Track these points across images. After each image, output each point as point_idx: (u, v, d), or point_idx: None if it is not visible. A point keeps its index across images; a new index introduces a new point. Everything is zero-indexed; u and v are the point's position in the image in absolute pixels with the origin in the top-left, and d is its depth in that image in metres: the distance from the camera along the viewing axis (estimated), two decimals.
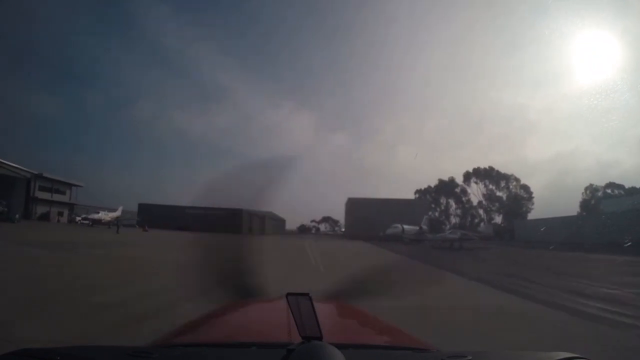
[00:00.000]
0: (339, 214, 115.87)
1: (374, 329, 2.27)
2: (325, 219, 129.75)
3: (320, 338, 1.21)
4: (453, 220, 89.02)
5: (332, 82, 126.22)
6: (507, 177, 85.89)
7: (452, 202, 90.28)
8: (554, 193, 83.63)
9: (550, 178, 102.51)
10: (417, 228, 61.67)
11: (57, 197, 57.10)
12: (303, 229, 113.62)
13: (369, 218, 72.75)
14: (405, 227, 60.90)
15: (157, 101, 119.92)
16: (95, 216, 51.57)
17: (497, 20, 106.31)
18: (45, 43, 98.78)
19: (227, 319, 2.32)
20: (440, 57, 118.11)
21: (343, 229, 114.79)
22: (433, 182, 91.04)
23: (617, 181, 70.33)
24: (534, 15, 74.18)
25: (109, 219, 52.02)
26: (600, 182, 72.73)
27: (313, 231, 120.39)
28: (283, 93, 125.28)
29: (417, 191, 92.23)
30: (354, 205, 78.46)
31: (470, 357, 1.30)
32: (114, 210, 58.74)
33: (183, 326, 2.04)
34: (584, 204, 73.99)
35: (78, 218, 55.02)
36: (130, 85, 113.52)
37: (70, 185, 60.46)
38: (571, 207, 70.44)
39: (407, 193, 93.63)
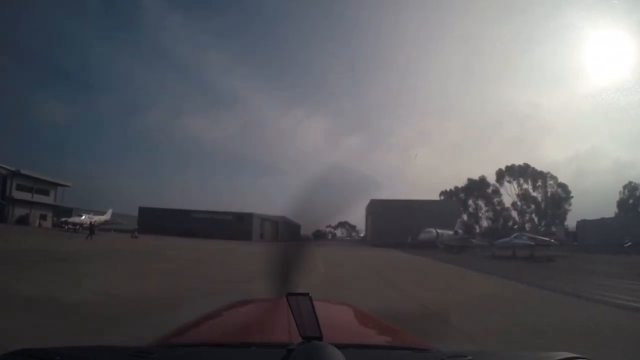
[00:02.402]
0: (356, 219, 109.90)
1: (374, 329, 2.26)
2: (342, 224, 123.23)
3: (320, 338, 1.19)
4: (485, 223, 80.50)
5: (345, 85, 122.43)
6: (543, 175, 77.23)
7: (481, 204, 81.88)
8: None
9: (567, 179, 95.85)
10: (452, 233, 54.23)
11: (39, 197, 50.14)
12: (319, 235, 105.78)
13: (393, 222, 64.45)
14: (440, 231, 53.15)
15: (163, 105, 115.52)
16: (77, 220, 44.27)
17: (513, 19, 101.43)
18: (45, 44, 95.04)
19: (227, 319, 2.32)
20: (453, 58, 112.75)
21: (361, 235, 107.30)
22: (451, 185, 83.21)
23: (635, 181, 66.28)
24: (549, 13, 69.36)
25: (91, 222, 45.16)
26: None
27: (329, 237, 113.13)
28: (295, 97, 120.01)
29: (442, 192, 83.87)
30: (377, 208, 69.53)
31: (470, 357, 1.29)
32: (102, 213, 51.80)
33: (183, 326, 2.02)
34: (622, 203, 67.95)
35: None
36: (139, 90, 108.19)
37: (55, 184, 53.36)
38: (589, 208, 64.33)
39: (425, 196, 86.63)
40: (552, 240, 34.72)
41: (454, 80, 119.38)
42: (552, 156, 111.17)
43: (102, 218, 50.55)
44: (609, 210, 65.04)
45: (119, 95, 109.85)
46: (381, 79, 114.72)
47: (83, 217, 45.30)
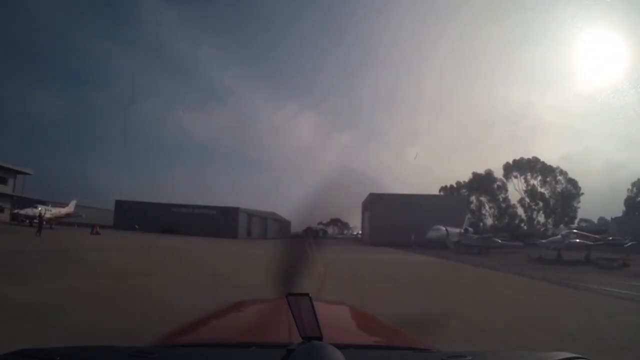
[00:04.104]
0: (348, 216, 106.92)
1: (374, 329, 2.24)
2: (334, 221, 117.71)
3: (320, 338, 1.19)
4: (489, 221, 75.00)
5: (338, 82, 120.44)
6: (552, 170, 71.96)
7: (484, 200, 76.27)
8: None
9: None
10: (462, 231, 48.68)
11: None
12: (310, 233, 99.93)
13: (394, 218, 57.96)
14: (450, 229, 47.45)
15: (153, 99, 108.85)
16: (30, 212, 37.48)
17: (507, 18, 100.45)
18: (35, 36, 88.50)
19: (227, 319, 2.30)
20: (447, 55, 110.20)
21: (355, 232, 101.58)
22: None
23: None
24: (544, 12, 67.15)
25: (49, 215, 38.45)
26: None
27: (320, 234, 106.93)
28: (288, 93, 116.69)
29: (442, 188, 78.08)
30: (376, 203, 62.77)
31: (470, 357, 1.28)
32: (64, 205, 44.75)
33: (183, 326, 2.00)
34: (629, 201, 65.91)
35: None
36: (127, 83, 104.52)
37: (14, 172, 46.19)
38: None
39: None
40: (610, 238, 29.09)
41: (447, 78, 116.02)
42: (545, 156, 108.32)
43: (64, 211, 44.12)
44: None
45: (108, 88, 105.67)
46: (374, 76, 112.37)
47: (39, 208, 38.50)
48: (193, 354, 1.37)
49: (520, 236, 49.89)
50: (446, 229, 46.89)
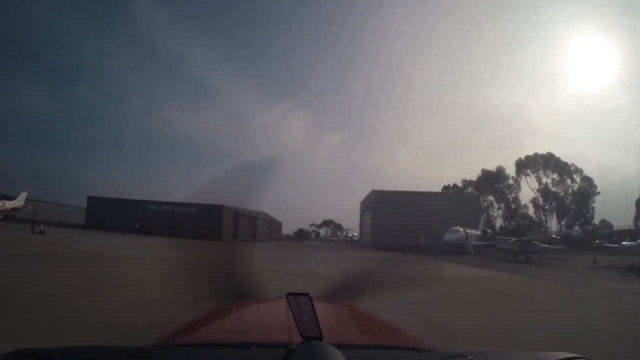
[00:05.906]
0: (341, 218, 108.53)
1: (374, 329, 2.21)
2: (327, 223, 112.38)
3: (320, 338, 1.20)
4: (500, 222, 69.00)
5: (330, 82, 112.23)
6: (567, 167, 66.21)
7: (492, 200, 70.17)
8: None
9: None
10: (479, 233, 42.43)
11: None
12: (301, 234, 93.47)
13: (400, 218, 50.91)
14: (468, 231, 41.07)
15: (140, 97, 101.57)
16: None
17: (498, 20, 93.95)
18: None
19: (227, 319, 2.29)
20: (438, 57, 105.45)
21: (350, 234, 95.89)
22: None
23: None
24: (536, 16, 64.66)
25: None
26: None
27: (313, 236, 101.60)
28: (279, 93, 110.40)
29: (445, 187, 71.75)
30: (378, 201, 55.82)
31: (470, 357, 1.29)
32: (11, 198, 38.00)
33: (183, 326, 2.00)
34: None
35: None
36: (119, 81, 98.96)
37: None
38: None
39: None
40: None
41: (437, 80, 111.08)
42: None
43: (9, 204, 37.67)
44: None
45: (93, 85, 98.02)
46: (365, 77, 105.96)
47: None
48: (193, 354, 1.37)
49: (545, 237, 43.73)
50: (465, 231, 40.39)
